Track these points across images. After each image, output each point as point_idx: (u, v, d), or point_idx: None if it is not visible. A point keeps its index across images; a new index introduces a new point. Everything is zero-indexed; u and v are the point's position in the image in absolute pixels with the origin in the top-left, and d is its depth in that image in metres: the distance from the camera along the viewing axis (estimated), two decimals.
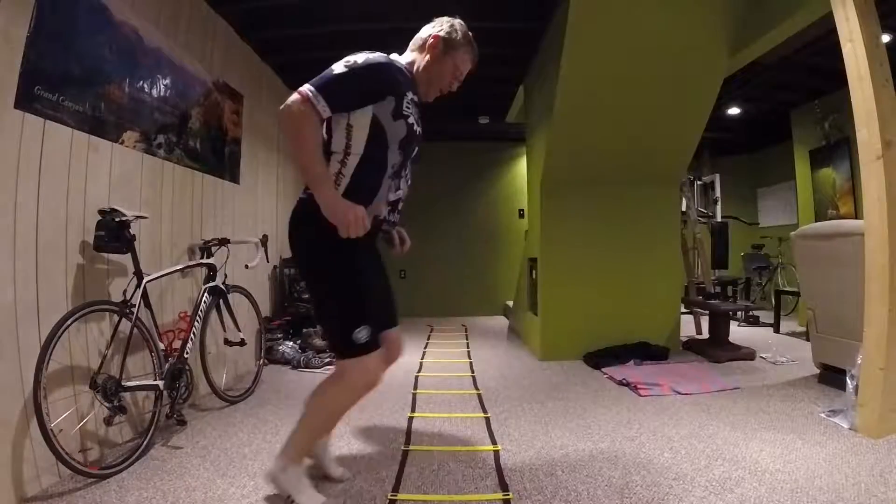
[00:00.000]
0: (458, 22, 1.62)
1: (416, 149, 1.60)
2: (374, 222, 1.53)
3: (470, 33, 1.63)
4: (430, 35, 1.59)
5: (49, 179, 1.74)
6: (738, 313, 5.18)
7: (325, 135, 1.47)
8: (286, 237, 1.56)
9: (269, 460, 1.90)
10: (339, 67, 1.40)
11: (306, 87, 1.35)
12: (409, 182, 1.66)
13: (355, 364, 1.46)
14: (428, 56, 1.58)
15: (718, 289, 4.55)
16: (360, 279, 1.49)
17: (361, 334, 1.42)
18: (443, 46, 1.58)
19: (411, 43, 1.65)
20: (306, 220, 1.47)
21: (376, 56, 1.46)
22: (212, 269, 2.61)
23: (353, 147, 1.46)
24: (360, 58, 1.43)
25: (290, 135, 1.37)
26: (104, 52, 2.03)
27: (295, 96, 1.34)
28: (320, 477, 1.73)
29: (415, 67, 1.59)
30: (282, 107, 1.35)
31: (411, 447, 2.03)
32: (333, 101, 1.37)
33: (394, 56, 1.58)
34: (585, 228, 3.76)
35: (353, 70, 1.40)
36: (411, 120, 1.51)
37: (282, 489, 1.55)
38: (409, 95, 1.51)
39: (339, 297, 1.46)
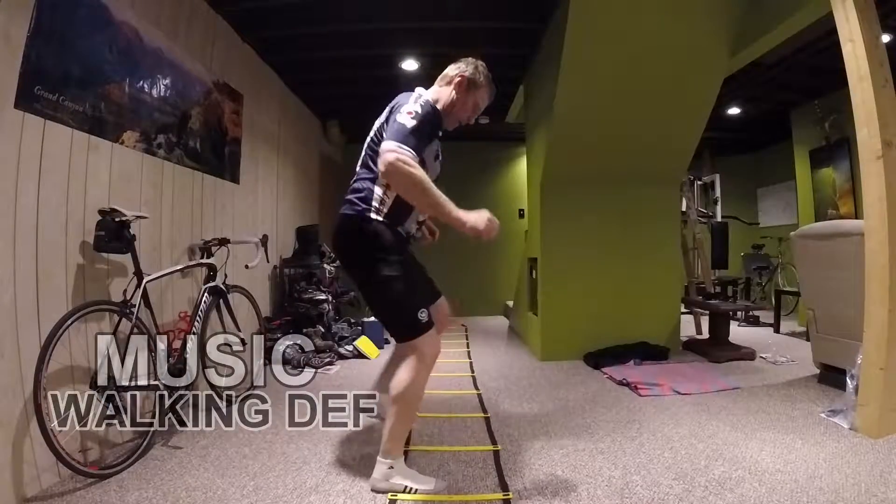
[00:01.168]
0: (480, 64, 1.80)
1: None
2: (405, 236, 1.81)
3: (490, 74, 1.81)
4: (457, 74, 1.77)
5: (49, 179, 1.74)
6: (738, 313, 5.18)
7: (374, 165, 1.65)
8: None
9: (269, 460, 1.92)
10: (407, 120, 1.56)
11: (396, 145, 1.51)
12: None
13: (425, 339, 1.66)
14: (454, 92, 1.76)
15: (718, 289, 4.54)
16: (413, 275, 1.73)
17: (423, 315, 1.66)
18: (467, 85, 1.76)
19: (439, 79, 1.81)
20: (364, 236, 1.66)
21: (425, 100, 1.64)
22: (212, 269, 2.61)
23: None
24: (416, 106, 1.60)
25: (410, 186, 1.53)
26: (104, 52, 2.03)
27: (393, 156, 1.49)
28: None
29: (441, 104, 1.75)
30: (385, 168, 1.51)
31: (411, 447, 2.02)
32: (417, 148, 1.56)
33: (424, 92, 1.73)
34: (585, 228, 3.75)
35: (422, 119, 1.58)
36: (441, 158, 1.78)
37: (396, 487, 1.63)
38: (440, 134, 1.73)
39: (403, 293, 1.66)
